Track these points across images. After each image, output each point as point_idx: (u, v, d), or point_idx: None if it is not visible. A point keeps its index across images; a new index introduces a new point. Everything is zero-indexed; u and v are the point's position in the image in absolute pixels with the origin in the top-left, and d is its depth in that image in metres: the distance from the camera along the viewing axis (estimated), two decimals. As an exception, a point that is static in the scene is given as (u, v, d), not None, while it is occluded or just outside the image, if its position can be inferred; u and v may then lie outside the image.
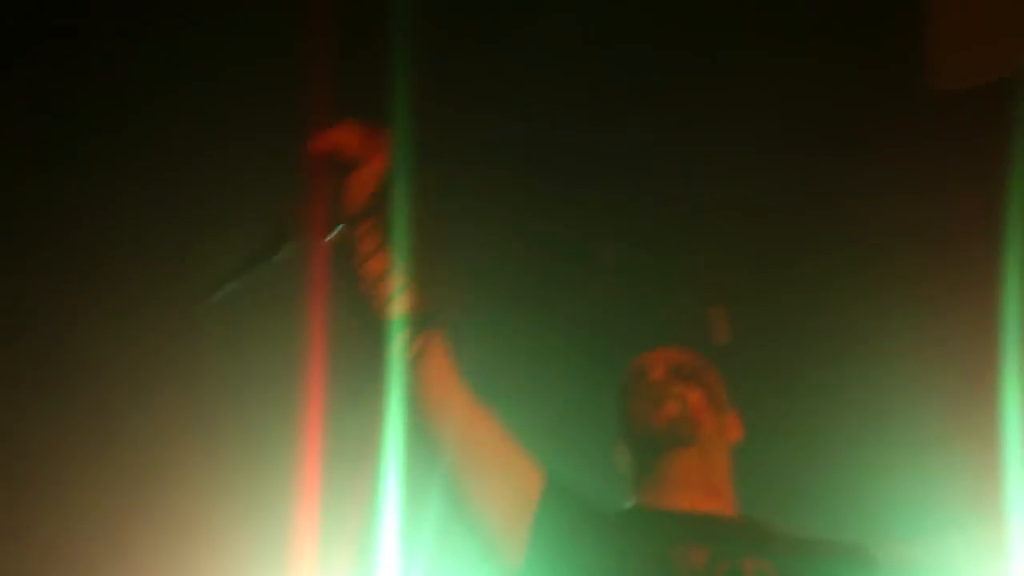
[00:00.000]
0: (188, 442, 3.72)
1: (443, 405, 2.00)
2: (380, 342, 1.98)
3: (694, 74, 3.15)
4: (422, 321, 1.99)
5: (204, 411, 3.70)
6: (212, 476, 3.78)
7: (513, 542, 2.01)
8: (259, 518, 3.66)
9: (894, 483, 4.02)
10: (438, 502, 2.09)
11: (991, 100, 3.02)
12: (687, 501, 2.13)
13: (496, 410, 2.11)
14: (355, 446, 2.13)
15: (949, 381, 3.68)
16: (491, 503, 2.03)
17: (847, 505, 3.79)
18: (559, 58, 3.03)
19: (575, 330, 3.52)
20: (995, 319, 3.18)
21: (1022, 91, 2.86)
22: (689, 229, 3.45)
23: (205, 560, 3.87)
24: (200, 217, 3.30)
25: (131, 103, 3.17)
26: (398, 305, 1.97)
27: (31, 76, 3.12)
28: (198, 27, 3.05)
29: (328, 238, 1.93)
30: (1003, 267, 2.97)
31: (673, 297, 3.54)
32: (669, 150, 3.32)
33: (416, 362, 1.96)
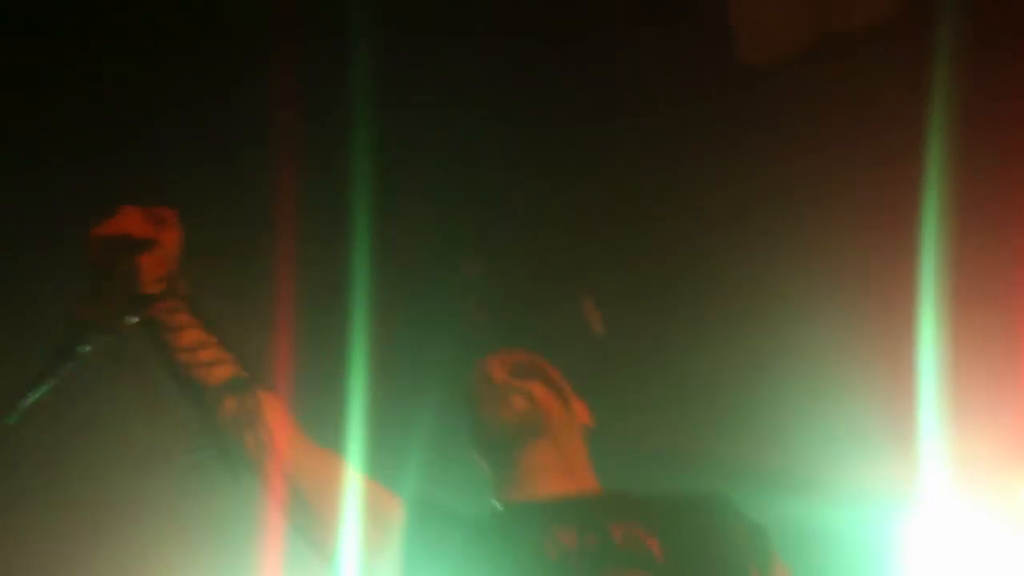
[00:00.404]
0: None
1: (286, 460, 2.03)
2: (207, 410, 2.03)
3: (523, 65, 3.19)
4: (246, 383, 2.04)
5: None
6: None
7: (387, 572, 2.03)
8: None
9: (809, 417, 4.08)
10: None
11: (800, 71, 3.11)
12: (548, 488, 2.16)
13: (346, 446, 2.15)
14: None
15: (857, 314, 3.77)
16: (362, 540, 2.04)
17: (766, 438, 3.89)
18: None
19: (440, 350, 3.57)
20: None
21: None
22: (538, 229, 3.50)
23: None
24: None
25: None
26: (218, 372, 2.03)
27: None
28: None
29: (132, 322, 1.97)
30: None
31: (543, 300, 3.60)
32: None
33: (249, 423, 2.01)
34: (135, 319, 1.97)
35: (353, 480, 2.08)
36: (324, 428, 2.16)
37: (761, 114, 3.22)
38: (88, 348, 1.93)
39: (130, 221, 1.99)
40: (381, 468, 2.19)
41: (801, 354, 3.82)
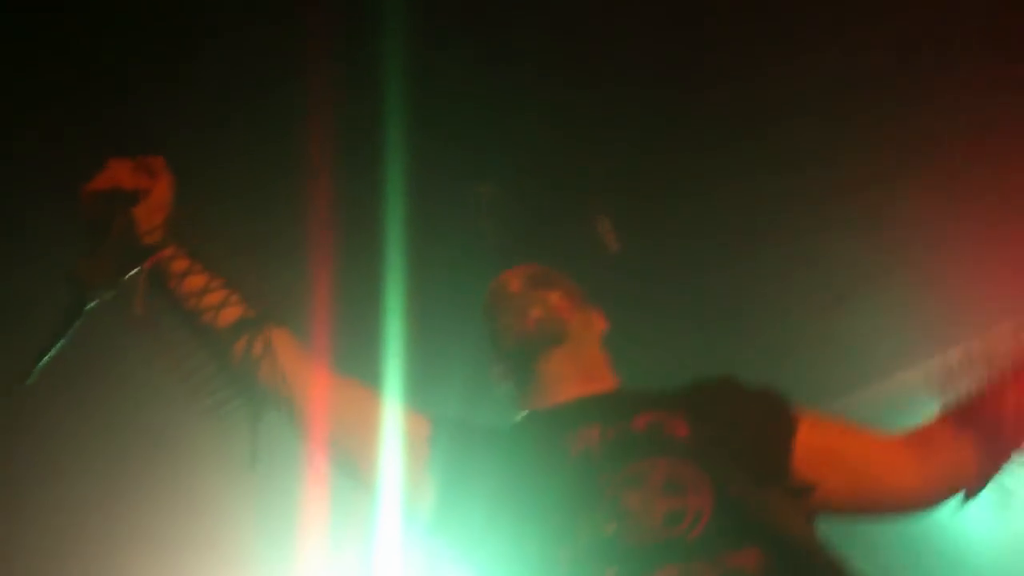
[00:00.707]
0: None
1: (306, 393, 2.06)
2: (221, 353, 2.05)
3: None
4: (256, 321, 2.05)
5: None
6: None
7: (418, 489, 2.07)
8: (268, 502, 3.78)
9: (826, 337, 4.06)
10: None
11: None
12: (570, 393, 2.18)
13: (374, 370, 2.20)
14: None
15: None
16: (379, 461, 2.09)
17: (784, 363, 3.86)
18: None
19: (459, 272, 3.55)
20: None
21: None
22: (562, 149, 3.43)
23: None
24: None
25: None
26: (227, 314, 2.05)
27: None
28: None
29: (134, 274, 1.97)
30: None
31: (558, 218, 3.55)
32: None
33: (264, 361, 2.03)
34: (137, 271, 1.97)
35: (377, 402, 2.12)
36: (344, 358, 2.18)
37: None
38: (94, 305, 1.92)
39: (120, 173, 1.99)
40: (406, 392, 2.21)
41: (830, 263, 3.76)
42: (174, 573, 4.03)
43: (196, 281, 2.04)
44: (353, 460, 2.09)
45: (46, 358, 1.88)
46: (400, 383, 2.27)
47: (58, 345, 1.89)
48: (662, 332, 3.85)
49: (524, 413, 2.24)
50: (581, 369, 2.22)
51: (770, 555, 1.80)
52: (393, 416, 2.12)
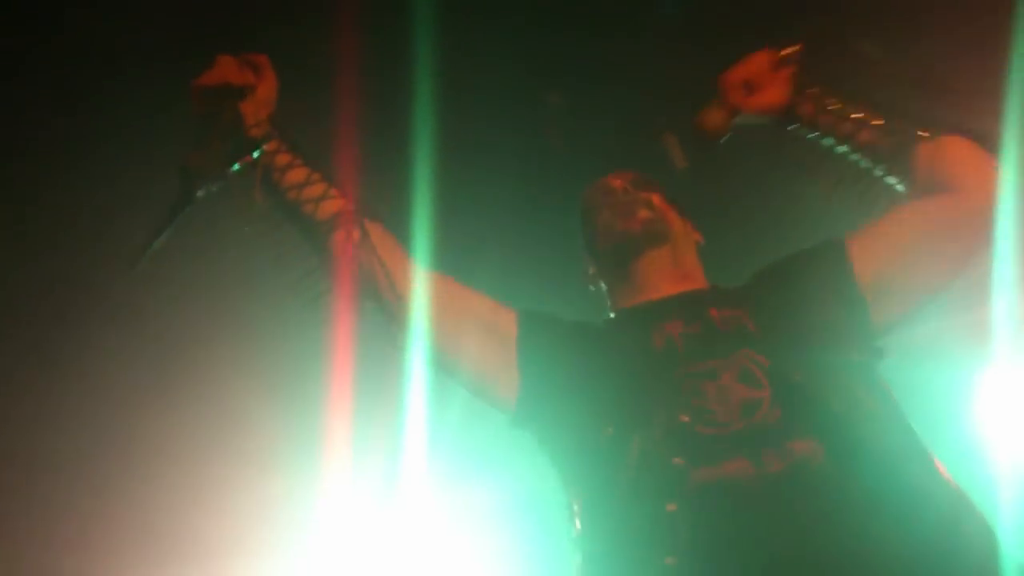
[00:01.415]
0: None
1: (401, 284, 2.12)
2: (320, 244, 2.11)
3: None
4: (355, 215, 2.11)
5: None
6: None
7: (506, 380, 2.14)
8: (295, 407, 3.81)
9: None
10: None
11: None
12: (662, 291, 2.22)
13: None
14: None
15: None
16: (475, 354, 2.16)
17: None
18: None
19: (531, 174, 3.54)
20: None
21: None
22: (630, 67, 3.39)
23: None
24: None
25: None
26: (327, 207, 2.11)
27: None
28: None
29: (242, 165, 2.02)
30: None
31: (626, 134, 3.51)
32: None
33: (361, 252, 2.09)
34: (244, 161, 2.02)
35: (468, 296, 2.19)
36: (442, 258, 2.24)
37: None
38: (203, 194, 1.96)
39: (227, 69, 2.04)
40: (493, 288, 2.26)
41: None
42: (200, 479, 4.07)
43: (298, 174, 2.11)
44: (444, 350, 2.15)
45: (155, 244, 1.92)
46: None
47: (167, 232, 1.93)
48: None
49: (615, 311, 2.29)
50: (678, 269, 2.25)
51: (832, 446, 1.82)
52: (483, 309, 2.19)
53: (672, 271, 2.24)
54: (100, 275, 3.59)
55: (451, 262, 2.28)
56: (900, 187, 2.13)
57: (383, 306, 2.14)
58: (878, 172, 2.14)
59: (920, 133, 2.07)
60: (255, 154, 2.02)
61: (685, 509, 1.83)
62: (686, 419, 1.90)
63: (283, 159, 2.10)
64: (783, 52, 2.16)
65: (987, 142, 2.07)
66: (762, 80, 2.14)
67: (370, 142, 2.40)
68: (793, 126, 2.19)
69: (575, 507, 2.03)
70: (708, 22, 3.34)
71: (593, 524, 1.98)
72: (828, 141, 2.15)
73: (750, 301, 2.10)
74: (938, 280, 2.09)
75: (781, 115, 2.18)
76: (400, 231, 2.23)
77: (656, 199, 2.29)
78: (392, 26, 3.10)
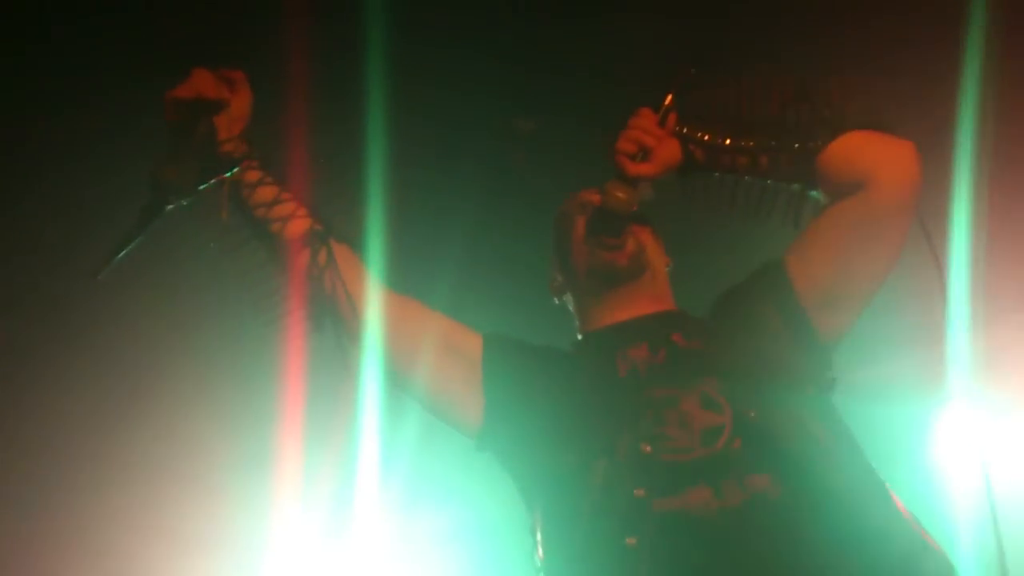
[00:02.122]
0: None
1: (364, 306, 2.12)
2: (286, 263, 2.11)
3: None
4: (321, 235, 2.11)
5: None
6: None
7: (471, 403, 2.15)
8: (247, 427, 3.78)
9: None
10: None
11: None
12: (631, 313, 2.21)
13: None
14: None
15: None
16: (438, 377, 2.16)
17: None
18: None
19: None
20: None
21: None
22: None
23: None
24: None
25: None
26: (294, 226, 2.10)
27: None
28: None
29: (213, 181, 2.01)
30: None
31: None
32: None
33: (326, 273, 2.09)
34: (215, 178, 2.02)
35: (432, 319, 2.19)
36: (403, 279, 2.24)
37: None
38: (172, 207, 1.97)
39: (203, 83, 2.02)
40: (459, 310, 2.27)
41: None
42: (146, 503, 4.00)
43: (267, 192, 2.10)
44: (405, 373, 2.15)
45: (120, 255, 1.90)
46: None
47: (132, 244, 1.91)
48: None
49: (582, 334, 2.28)
50: (651, 293, 2.24)
51: (788, 484, 1.83)
52: (448, 332, 2.19)
53: (647, 294, 2.24)
54: (47, 293, 3.55)
55: (411, 281, 2.27)
56: (818, 197, 2.14)
57: (344, 328, 2.14)
58: (794, 189, 2.14)
59: (814, 143, 2.06)
60: (229, 172, 2.02)
61: (645, 543, 1.83)
62: (648, 449, 1.90)
63: (253, 176, 2.09)
64: (662, 106, 2.13)
65: (889, 126, 2.08)
66: (650, 141, 2.09)
67: (329, 162, 2.39)
68: (696, 174, 2.18)
69: (537, 533, 2.04)
70: (672, 49, 3.33)
71: (555, 553, 1.99)
72: (732, 177, 2.16)
73: (710, 333, 2.12)
74: (875, 280, 2.12)
75: (681, 169, 2.17)
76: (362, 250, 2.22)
77: (642, 233, 2.27)
78: (350, 42, 3.08)
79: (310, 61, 3.00)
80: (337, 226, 2.15)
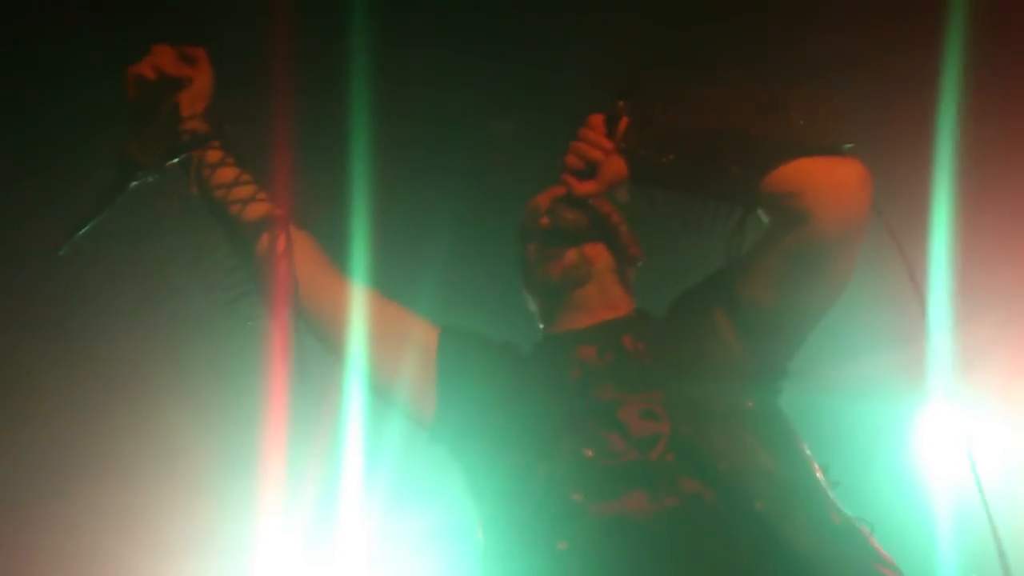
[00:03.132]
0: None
1: (321, 293, 2.10)
2: (243, 245, 2.08)
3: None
4: (280, 221, 2.07)
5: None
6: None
7: (424, 396, 2.13)
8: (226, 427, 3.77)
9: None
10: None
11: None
12: (587, 320, 2.21)
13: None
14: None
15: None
16: (391, 368, 2.14)
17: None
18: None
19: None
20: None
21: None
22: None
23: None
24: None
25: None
26: (253, 209, 2.07)
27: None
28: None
29: (179, 159, 1.99)
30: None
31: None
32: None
33: (283, 258, 2.05)
34: (182, 155, 2.01)
35: (389, 309, 2.17)
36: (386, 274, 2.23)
37: None
38: (135, 184, 1.95)
39: (165, 59, 2.01)
40: (416, 300, 2.24)
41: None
42: (126, 504, 3.99)
43: (228, 173, 2.07)
44: (358, 364, 2.13)
45: (83, 230, 1.89)
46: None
47: (96, 219, 1.90)
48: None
49: (541, 336, 2.28)
50: (602, 301, 2.22)
51: (719, 489, 1.84)
52: (403, 322, 2.17)
53: (597, 302, 2.22)
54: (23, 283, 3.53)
55: (389, 278, 2.27)
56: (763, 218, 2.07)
57: (301, 317, 2.11)
58: (736, 210, 2.06)
59: (755, 169, 1.95)
60: (196, 149, 2.00)
61: (576, 547, 1.85)
62: (590, 453, 1.92)
63: (214, 156, 2.06)
64: (605, 119, 2.05)
65: (843, 143, 1.96)
66: (597, 155, 2.02)
67: (309, 155, 2.39)
68: (643, 188, 2.11)
69: (479, 528, 2.05)
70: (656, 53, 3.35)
71: (490, 553, 2.01)
72: (675, 194, 2.08)
73: (660, 337, 2.11)
74: (819, 307, 2.06)
75: (629, 182, 2.09)
76: (336, 242, 2.22)
77: (585, 235, 2.24)
78: (333, 39, 3.09)
79: (293, 60, 3.00)
80: (298, 212, 2.12)
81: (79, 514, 3.93)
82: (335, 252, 2.22)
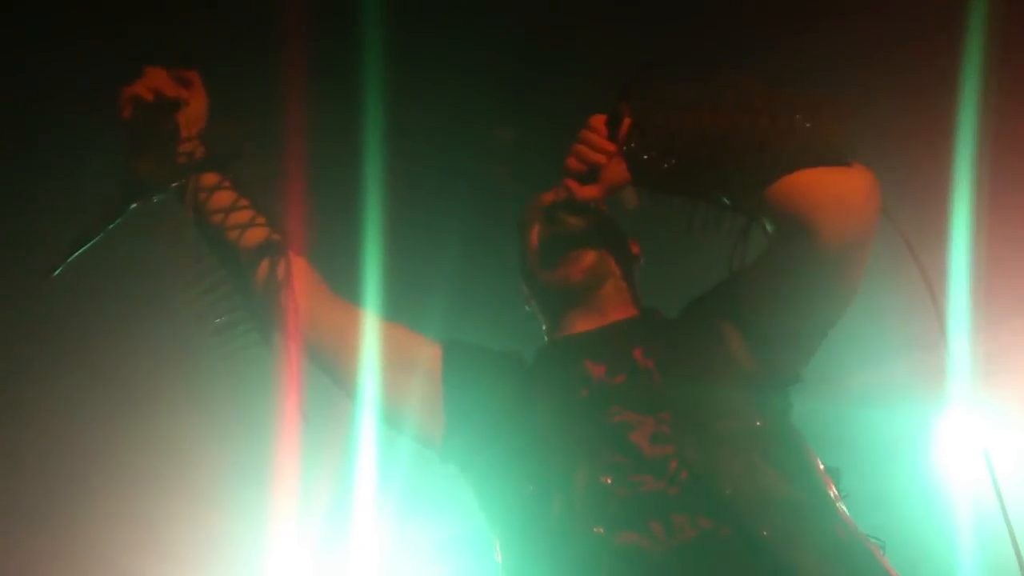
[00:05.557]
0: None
1: (321, 326, 2.05)
2: (240, 273, 2.03)
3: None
4: (278, 246, 2.02)
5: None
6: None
7: (431, 418, 2.08)
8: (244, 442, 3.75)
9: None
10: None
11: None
12: (599, 321, 2.16)
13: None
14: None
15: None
16: (396, 393, 2.08)
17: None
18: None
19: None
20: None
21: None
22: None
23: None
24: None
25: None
26: (251, 235, 2.02)
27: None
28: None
29: (174, 184, 1.94)
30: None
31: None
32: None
33: (281, 285, 1.99)
34: (186, 176, 1.95)
35: (390, 332, 2.11)
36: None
37: None
38: (134, 207, 1.90)
39: (160, 81, 1.95)
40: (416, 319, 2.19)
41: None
42: (142, 515, 3.98)
43: (225, 197, 2.01)
44: (362, 390, 2.07)
45: (77, 253, 1.84)
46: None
47: (91, 242, 1.85)
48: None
49: (545, 343, 2.23)
50: (612, 302, 2.18)
51: (725, 518, 1.80)
52: (405, 344, 2.12)
53: (609, 305, 2.18)
54: (37, 298, 3.52)
55: (397, 295, 2.24)
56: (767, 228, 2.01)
57: (301, 344, 2.05)
58: (741, 217, 2.02)
59: (759, 181, 1.89)
60: (198, 171, 1.95)
61: None
62: (608, 480, 1.87)
63: (211, 179, 2.00)
64: (607, 121, 1.97)
65: (850, 152, 1.90)
66: (599, 158, 1.96)
67: (316, 173, 2.37)
68: (646, 191, 2.06)
69: (496, 547, 2.01)
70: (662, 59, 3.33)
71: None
72: (680, 198, 2.02)
73: (672, 347, 2.05)
74: (826, 319, 2.02)
75: (632, 186, 2.03)
76: (344, 257, 2.17)
77: (591, 236, 2.19)
78: (342, 51, 3.07)
79: (305, 72, 2.99)
80: (294, 238, 2.06)
81: (93, 523, 3.92)
82: (341, 268, 2.19)
